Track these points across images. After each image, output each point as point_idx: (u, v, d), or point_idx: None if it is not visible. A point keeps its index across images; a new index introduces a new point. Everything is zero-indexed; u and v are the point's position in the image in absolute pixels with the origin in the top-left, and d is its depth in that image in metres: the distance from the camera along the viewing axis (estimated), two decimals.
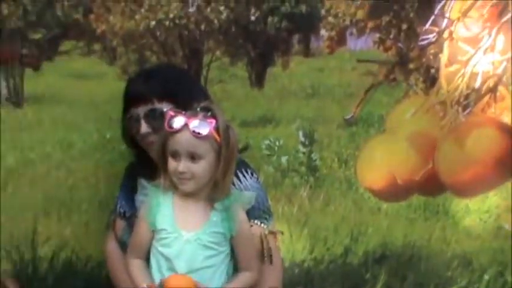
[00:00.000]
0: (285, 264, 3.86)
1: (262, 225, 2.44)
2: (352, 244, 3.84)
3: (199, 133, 2.19)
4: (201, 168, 2.23)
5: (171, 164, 2.23)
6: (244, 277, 2.37)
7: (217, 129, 2.22)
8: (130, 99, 2.52)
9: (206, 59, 13.61)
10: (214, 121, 2.22)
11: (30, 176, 3.28)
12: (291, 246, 3.80)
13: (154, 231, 2.34)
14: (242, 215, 2.34)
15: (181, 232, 2.31)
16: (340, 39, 11.53)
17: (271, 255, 2.47)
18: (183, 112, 2.24)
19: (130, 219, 2.68)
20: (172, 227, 2.34)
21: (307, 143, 3.40)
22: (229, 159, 2.26)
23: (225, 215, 2.31)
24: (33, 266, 3.53)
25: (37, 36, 13.49)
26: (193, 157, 2.20)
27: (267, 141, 3.45)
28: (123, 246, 2.68)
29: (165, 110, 2.36)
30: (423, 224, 3.88)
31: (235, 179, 2.40)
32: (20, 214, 3.33)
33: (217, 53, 14.34)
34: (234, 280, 2.36)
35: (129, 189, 2.69)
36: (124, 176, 2.76)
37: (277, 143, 3.49)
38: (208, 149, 2.21)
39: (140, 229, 2.39)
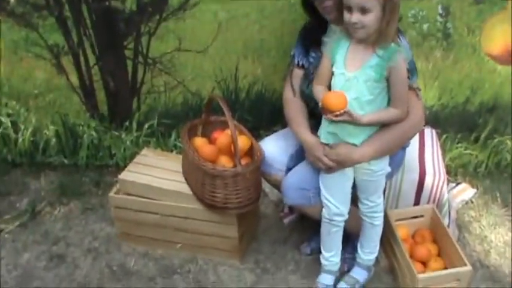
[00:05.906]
0: None
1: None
2: (471, 95, 3.95)
3: None
4: (369, 19, 2.42)
5: (346, 16, 2.48)
6: (390, 112, 2.61)
7: None
8: None
9: None
10: None
11: (234, 29, 3.50)
12: (425, 94, 3.88)
13: (332, 64, 2.63)
14: (401, 61, 2.49)
15: (345, 72, 2.58)
16: None
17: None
18: None
19: (307, 69, 2.99)
20: (341, 65, 2.59)
21: (443, 14, 3.50)
22: (393, 11, 2.42)
23: (385, 58, 2.48)
24: (235, 94, 3.96)
25: None
26: (363, 10, 2.41)
27: (412, 11, 3.49)
28: (301, 93, 3.02)
29: None
30: None
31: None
32: (227, 56, 3.67)
33: None
34: (382, 111, 2.61)
35: (304, 47, 2.99)
36: (299, 35, 3.04)
37: (420, 13, 3.52)
38: (375, 3, 2.40)
39: (324, 61, 2.67)
